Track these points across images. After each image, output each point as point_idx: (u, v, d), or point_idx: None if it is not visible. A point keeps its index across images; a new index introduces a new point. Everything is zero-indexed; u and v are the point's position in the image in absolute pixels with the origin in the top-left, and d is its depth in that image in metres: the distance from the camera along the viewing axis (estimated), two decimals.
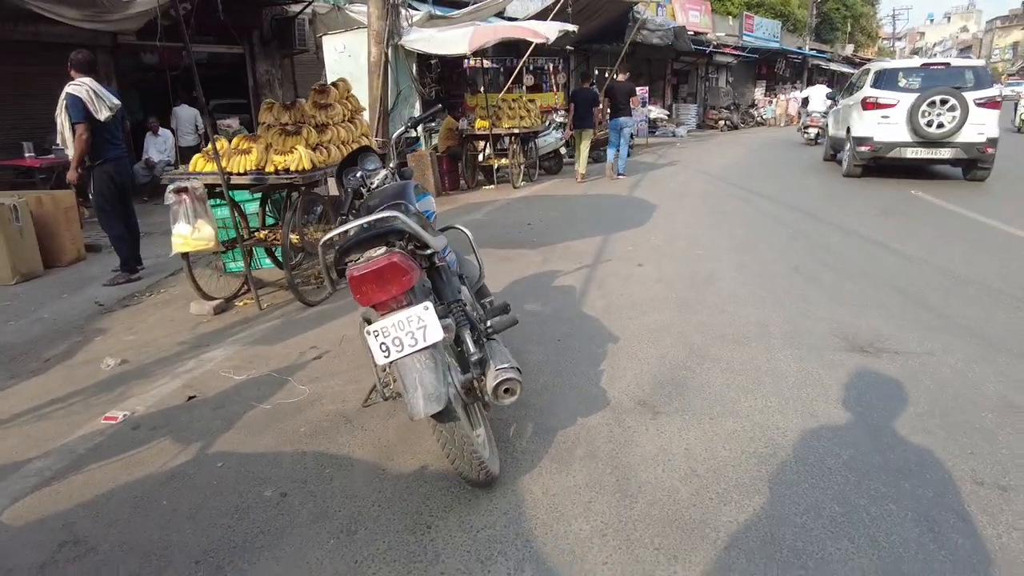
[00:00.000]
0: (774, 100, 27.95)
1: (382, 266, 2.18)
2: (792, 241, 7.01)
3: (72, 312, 5.68)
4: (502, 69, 16.75)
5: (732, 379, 3.65)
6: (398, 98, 10.31)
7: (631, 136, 12.70)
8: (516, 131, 11.33)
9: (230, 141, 5.44)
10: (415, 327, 2.23)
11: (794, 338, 4.23)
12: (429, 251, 2.54)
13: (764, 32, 31.53)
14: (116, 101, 6.62)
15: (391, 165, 3.65)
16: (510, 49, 16.96)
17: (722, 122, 25.91)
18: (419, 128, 4.02)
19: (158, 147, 11.68)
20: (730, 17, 30.42)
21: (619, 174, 12.35)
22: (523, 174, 12.08)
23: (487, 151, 12.02)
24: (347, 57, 10.20)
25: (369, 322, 2.33)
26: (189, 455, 3.22)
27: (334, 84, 5.99)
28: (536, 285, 5.64)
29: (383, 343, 2.25)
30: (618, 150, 12.30)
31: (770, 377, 3.66)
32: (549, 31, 9.83)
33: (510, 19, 18.59)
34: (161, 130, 11.74)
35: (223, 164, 4.99)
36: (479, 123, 11.49)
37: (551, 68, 16.71)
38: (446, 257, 2.97)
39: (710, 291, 5.32)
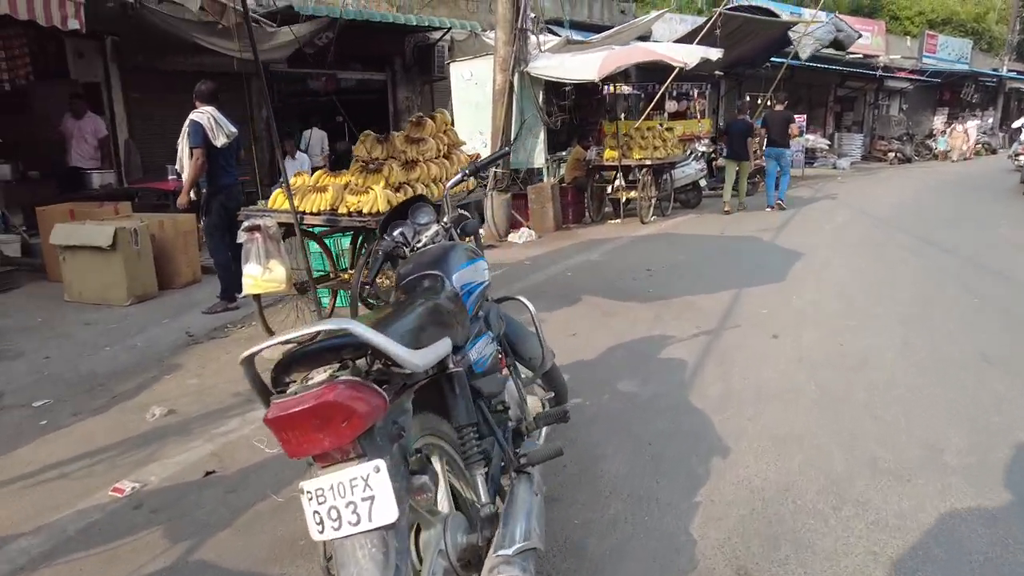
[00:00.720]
0: (946, 130, 24.44)
1: (313, 405, 1.43)
2: (979, 314, 5.50)
3: (163, 341, 5.52)
4: (643, 95, 15.79)
5: (882, 543, 2.53)
6: (522, 127, 9.72)
7: (789, 165, 12.23)
8: (648, 162, 10.35)
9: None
10: (359, 496, 1.45)
11: (983, 476, 2.99)
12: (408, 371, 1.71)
13: (950, 52, 27.95)
14: (233, 129, 6.57)
15: (444, 220, 2.94)
16: (654, 74, 15.97)
17: (892, 154, 23.07)
18: (485, 169, 3.28)
19: (295, 170, 11.92)
20: (908, 37, 27.29)
21: (780, 204, 11.80)
22: (654, 208, 11.06)
23: (617, 182, 11.12)
24: (474, 85, 9.79)
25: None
26: (170, 559, 2.66)
27: (431, 116, 5.43)
28: (639, 354, 4.69)
29: (316, 511, 1.50)
30: (777, 180, 11.80)
31: (944, 548, 2.49)
32: (688, 56, 8.83)
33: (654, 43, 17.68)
34: (299, 153, 11.99)
35: (299, 202, 4.56)
36: (608, 153, 10.64)
37: (696, 94, 15.50)
38: (469, 356, 2.18)
39: (862, 382, 4.11)
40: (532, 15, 9.20)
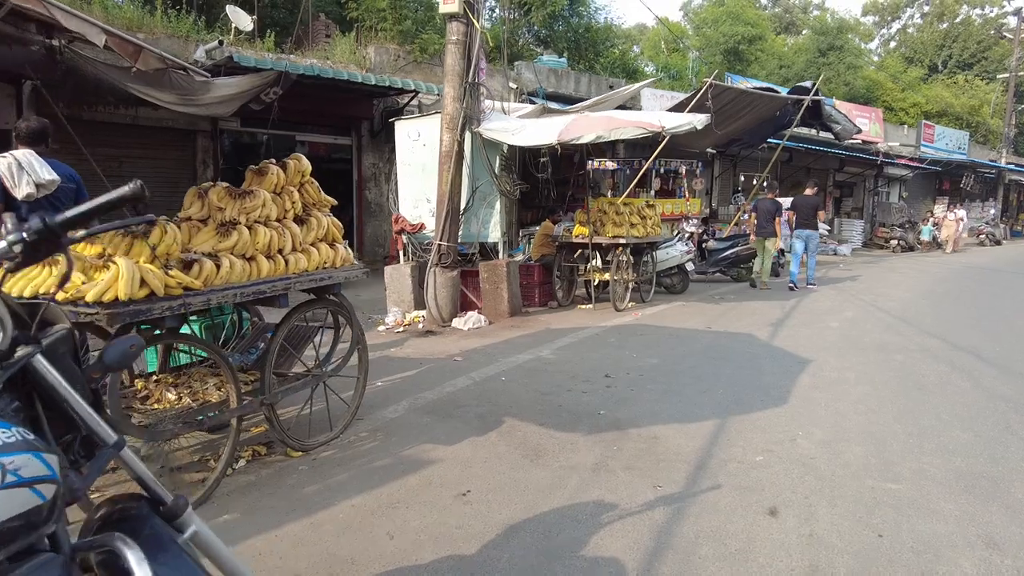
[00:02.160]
0: (929, 219, 22.55)
1: None
2: None
3: None
4: (628, 171, 14.37)
5: None
6: (474, 195, 8.10)
7: (816, 247, 12.05)
8: (622, 241, 8.68)
9: None
10: None
11: None
12: None
13: (948, 143, 26.92)
14: (51, 177, 4.82)
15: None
16: (644, 150, 14.63)
17: (894, 242, 21.56)
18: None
19: None
20: (905, 126, 26.34)
21: (810, 284, 11.71)
22: (632, 293, 9.32)
23: (596, 262, 9.44)
24: (421, 146, 8.26)
25: None
26: None
27: (281, 163, 3.76)
28: (553, 542, 2.81)
29: None
30: (803, 262, 11.71)
31: None
32: (666, 121, 7.29)
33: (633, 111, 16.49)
34: None
35: (15, 283, 2.80)
36: (577, 229, 9.00)
37: (685, 171, 14.08)
38: None
39: None
40: (484, 66, 7.74)
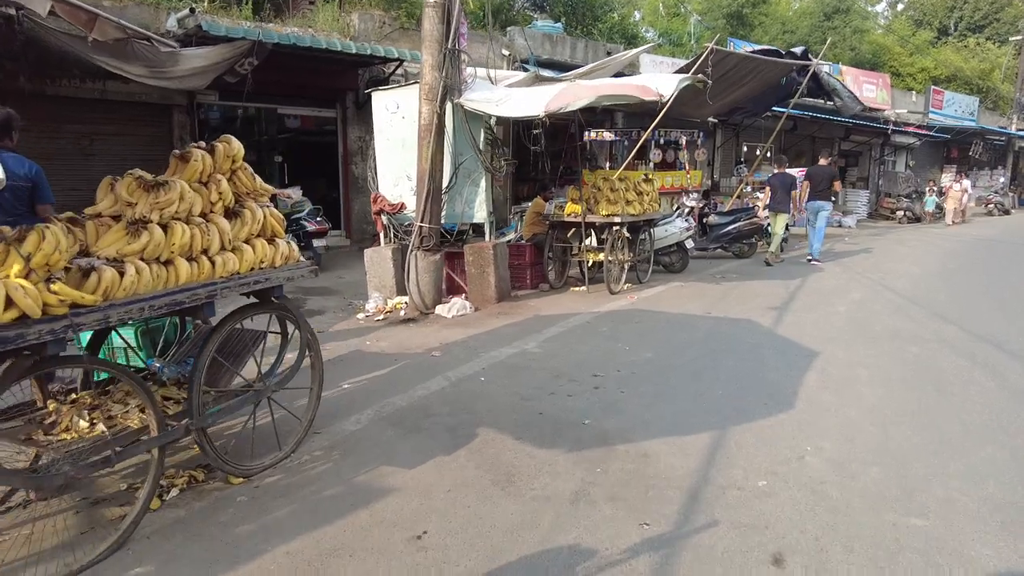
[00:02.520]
0: (933, 188, 21.63)
1: None
2: None
3: None
4: (626, 142, 13.70)
5: None
6: (457, 173, 7.52)
7: (826, 220, 11.62)
8: (617, 219, 8.12)
9: None
10: None
11: None
12: None
13: (957, 109, 26.02)
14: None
15: None
16: (642, 120, 13.94)
17: (900, 213, 20.89)
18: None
19: None
20: (913, 92, 25.43)
21: (813, 259, 11.27)
22: (629, 273, 8.79)
23: (589, 241, 8.91)
24: (400, 119, 7.64)
25: None
26: None
27: (208, 147, 3.21)
28: None
29: None
30: (816, 233, 11.32)
31: None
32: (664, 86, 6.67)
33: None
34: None
35: None
36: (569, 207, 8.42)
37: (686, 142, 13.40)
38: None
39: None
40: (465, 31, 7.08)
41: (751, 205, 13.48)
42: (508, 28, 15.18)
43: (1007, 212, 24.31)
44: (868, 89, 21.84)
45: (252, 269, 3.24)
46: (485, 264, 7.53)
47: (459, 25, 6.88)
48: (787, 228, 12.94)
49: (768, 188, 11.43)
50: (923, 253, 13.23)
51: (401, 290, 7.71)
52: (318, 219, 10.09)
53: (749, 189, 14.61)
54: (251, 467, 3.38)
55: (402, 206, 7.68)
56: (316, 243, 10.07)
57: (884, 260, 12.10)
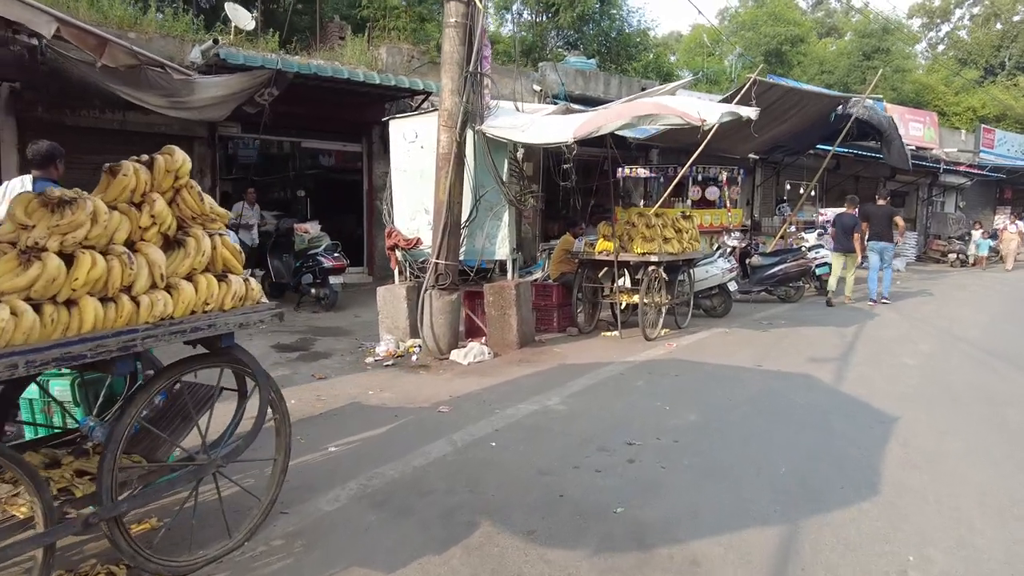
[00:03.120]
0: (978, 229, 19.56)
1: None
2: None
3: None
4: (662, 179, 12.96)
5: None
6: (478, 205, 6.83)
7: (890, 261, 11.06)
8: (654, 258, 7.31)
9: None
10: None
11: None
12: None
13: (1009, 148, 24.71)
14: None
15: None
16: (677, 156, 13.21)
17: (953, 255, 19.59)
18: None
19: None
20: (962, 131, 24.26)
21: (883, 299, 10.74)
22: (666, 318, 7.93)
23: (623, 282, 8.11)
24: (419, 148, 7.02)
25: None
26: None
27: (147, 160, 2.55)
28: None
29: None
30: (880, 275, 10.78)
31: None
32: (708, 112, 5.92)
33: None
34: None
35: None
36: (601, 244, 7.65)
37: (725, 179, 12.59)
38: None
39: None
40: (488, 53, 6.47)
41: (796, 246, 12.54)
42: (540, 64, 14.73)
43: None
44: (915, 128, 20.81)
45: (193, 312, 2.52)
46: (506, 305, 6.77)
47: (481, 47, 6.27)
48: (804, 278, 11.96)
49: (832, 229, 11.11)
50: (985, 298, 12.06)
51: (415, 332, 6.98)
52: (335, 255, 9.50)
53: (793, 229, 13.67)
54: (185, 563, 2.62)
55: (418, 241, 7.01)
56: (333, 280, 9.47)
57: (944, 306, 10.99)
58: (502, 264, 7.22)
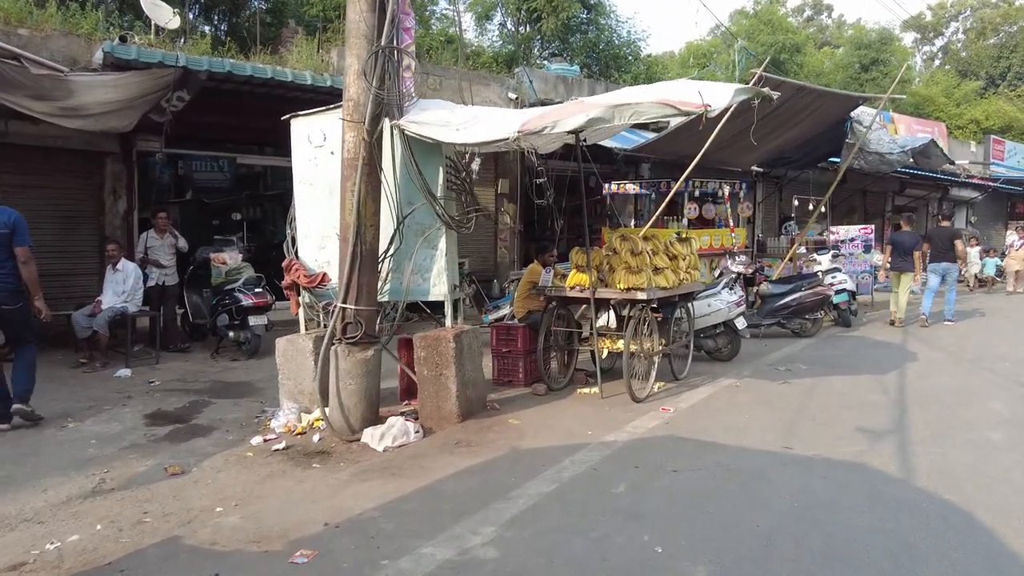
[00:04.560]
0: (971, 250, 16.78)
1: None
2: None
3: None
4: (654, 195, 11.15)
5: None
6: (401, 228, 4.98)
7: (955, 281, 10.68)
8: (641, 295, 5.46)
9: None
10: None
11: None
12: None
13: (1020, 160, 23.04)
14: None
15: None
16: (672, 169, 11.40)
17: (971, 277, 17.74)
18: None
19: (116, 287, 7.37)
20: (972, 143, 22.58)
21: (947, 320, 10.36)
22: (659, 366, 6.06)
23: (605, 321, 6.28)
24: (328, 155, 5.18)
25: None
26: None
27: None
28: None
29: None
30: (943, 296, 10.48)
31: None
32: (713, 95, 4.11)
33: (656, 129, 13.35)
34: (123, 263, 7.47)
35: None
36: (574, 277, 5.80)
37: (727, 193, 10.76)
38: None
39: None
40: (412, 24, 4.66)
41: (809, 270, 10.71)
42: (516, 70, 13.01)
43: None
44: (923, 139, 19.08)
45: None
46: (442, 363, 4.89)
47: (399, 12, 4.46)
48: (853, 296, 10.21)
49: (889, 248, 10.73)
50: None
51: (327, 398, 5.10)
52: (257, 290, 7.64)
53: (803, 250, 11.83)
54: None
55: (324, 277, 5.14)
56: (254, 321, 7.61)
57: (988, 337, 9.14)
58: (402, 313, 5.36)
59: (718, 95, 4.06)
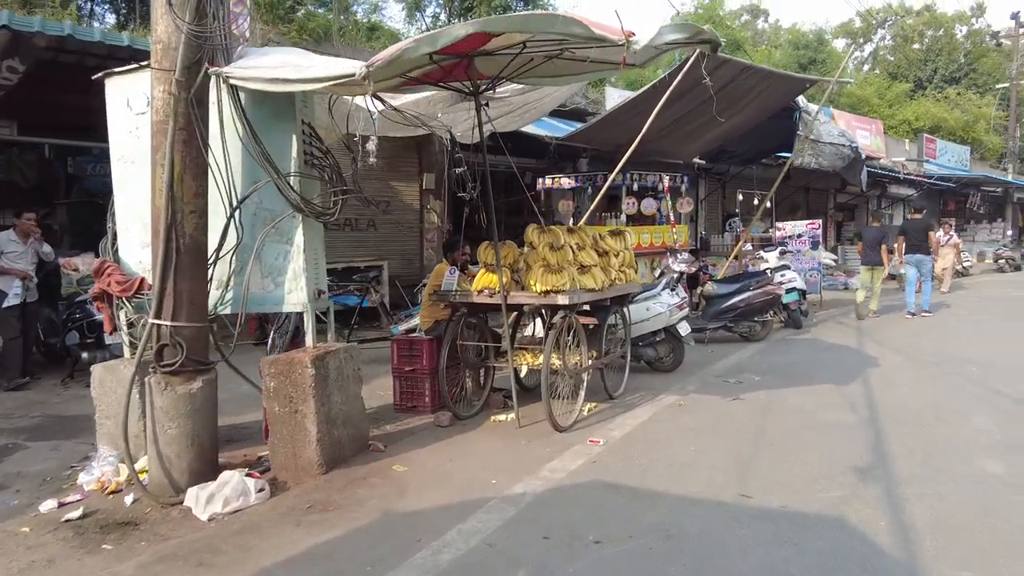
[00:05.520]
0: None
1: None
2: None
3: None
4: (590, 189, 10.13)
5: None
6: (236, 216, 3.71)
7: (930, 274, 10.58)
8: (562, 300, 4.35)
9: None
10: None
11: None
12: None
13: (950, 159, 23.17)
14: None
15: None
16: (609, 164, 10.37)
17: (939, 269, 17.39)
18: None
19: None
20: (906, 141, 22.57)
21: (924, 312, 10.21)
22: (587, 386, 4.95)
23: (527, 332, 5.15)
24: (149, 123, 3.87)
25: None
26: None
27: None
28: None
29: None
30: (919, 289, 10.29)
31: None
32: (640, 30, 3.02)
33: (584, 114, 12.50)
34: None
35: None
36: (482, 279, 4.65)
37: (667, 187, 9.78)
38: None
39: None
40: None
41: (757, 269, 9.87)
42: None
43: (1018, 268, 21.02)
44: (862, 135, 18.81)
45: None
46: (298, 397, 3.64)
47: None
48: (803, 295, 9.40)
49: (860, 244, 10.85)
50: (986, 321, 9.63)
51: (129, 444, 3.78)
52: None
53: (749, 247, 11.02)
54: None
55: (141, 283, 3.82)
56: (111, 339, 6.16)
57: (943, 337, 8.41)
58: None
59: (644, 29, 2.97)
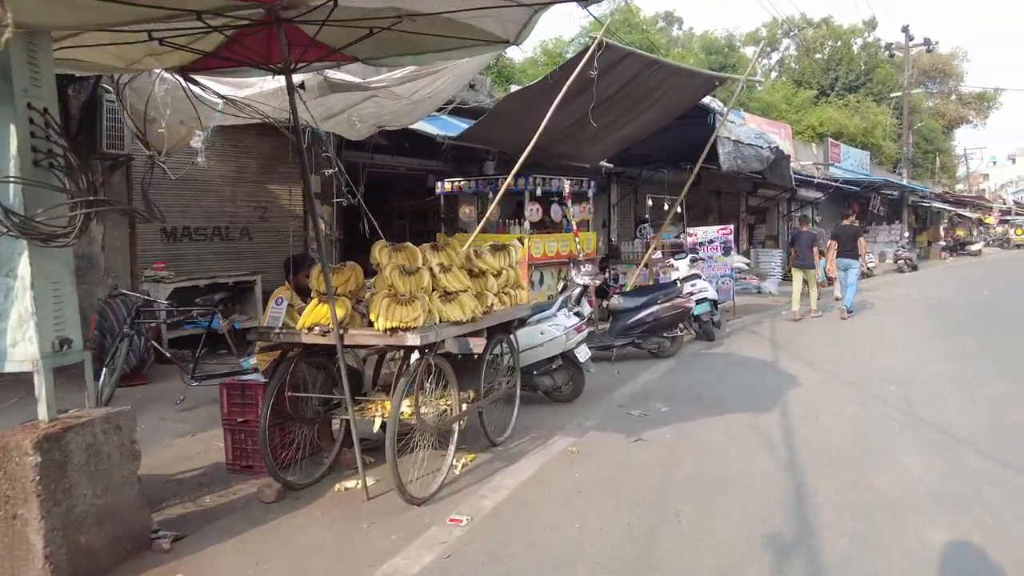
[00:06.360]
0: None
1: None
2: None
3: None
4: (490, 194, 9.22)
5: None
6: None
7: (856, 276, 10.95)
8: (412, 339, 3.37)
9: None
10: None
11: None
12: None
13: (853, 163, 23.86)
14: None
15: None
16: (511, 166, 9.40)
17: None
18: None
19: None
20: (813, 145, 23.04)
21: (848, 312, 10.43)
22: (462, 436, 4.00)
23: (388, 374, 4.14)
24: None
25: None
26: None
27: None
28: None
29: None
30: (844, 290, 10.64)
31: None
32: None
33: (475, 111, 11.76)
34: None
35: None
36: (312, 312, 3.61)
37: (568, 192, 8.95)
38: None
39: None
40: None
41: (667, 278, 9.27)
42: None
43: (915, 268, 21.84)
44: (771, 139, 18.88)
45: None
46: (17, 497, 2.49)
47: None
48: (714, 305, 8.86)
49: (793, 247, 11.07)
50: (899, 327, 9.43)
51: None
52: None
53: (659, 255, 10.43)
54: None
55: None
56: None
57: (856, 346, 8.03)
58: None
59: None
